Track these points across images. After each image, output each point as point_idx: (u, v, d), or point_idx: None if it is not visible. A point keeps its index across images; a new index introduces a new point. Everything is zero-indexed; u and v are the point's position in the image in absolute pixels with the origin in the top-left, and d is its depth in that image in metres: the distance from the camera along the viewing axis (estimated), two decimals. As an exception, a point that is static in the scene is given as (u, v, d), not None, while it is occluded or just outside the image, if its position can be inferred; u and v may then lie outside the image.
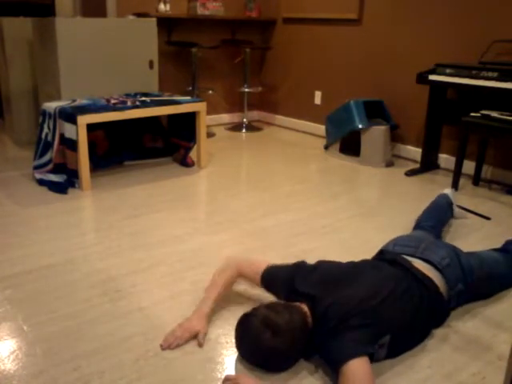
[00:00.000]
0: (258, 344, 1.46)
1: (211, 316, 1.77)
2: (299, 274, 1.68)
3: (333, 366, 1.45)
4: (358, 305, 1.52)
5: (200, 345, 1.64)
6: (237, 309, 1.85)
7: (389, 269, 1.72)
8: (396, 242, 1.99)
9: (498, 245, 2.25)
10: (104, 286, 2.00)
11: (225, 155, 4.03)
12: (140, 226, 2.60)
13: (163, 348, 1.62)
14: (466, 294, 1.86)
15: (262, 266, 1.77)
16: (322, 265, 1.75)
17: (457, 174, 3.11)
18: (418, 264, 1.80)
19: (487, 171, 3.53)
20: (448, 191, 2.73)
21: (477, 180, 3.42)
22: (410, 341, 1.64)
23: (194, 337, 1.67)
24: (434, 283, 1.72)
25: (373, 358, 1.47)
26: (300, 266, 1.73)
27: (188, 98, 3.61)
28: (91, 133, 3.51)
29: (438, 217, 2.42)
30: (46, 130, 3.19)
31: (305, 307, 1.56)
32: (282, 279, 1.70)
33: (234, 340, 1.58)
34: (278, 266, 1.77)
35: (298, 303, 1.58)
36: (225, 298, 1.88)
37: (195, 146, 3.63)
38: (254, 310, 1.53)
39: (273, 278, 1.74)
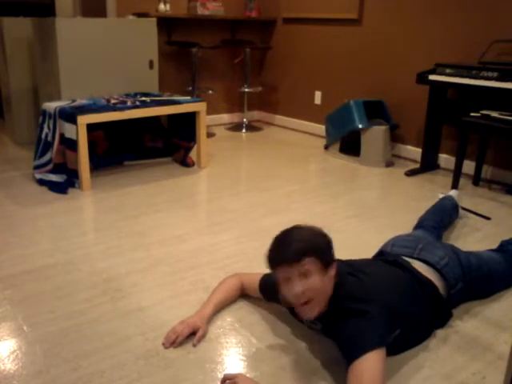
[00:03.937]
0: (287, 234, 1.51)
1: (212, 318, 1.78)
2: None
3: (349, 352, 1.40)
4: (380, 290, 1.53)
5: (194, 344, 1.64)
6: (236, 309, 1.85)
7: (391, 268, 1.73)
8: (394, 242, 1.99)
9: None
10: (104, 285, 2.00)
11: (225, 155, 4.03)
12: (140, 226, 2.60)
13: (165, 346, 1.62)
14: (465, 291, 1.86)
15: (260, 276, 1.84)
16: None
17: (457, 173, 3.11)
18: (417, 265, 1.79)
19: (487, 171, 3.53)
20: (453, 193, 2.73)
21: (477, 180, 3.42)
22: (415, 338, 1.65)
23: (194, 333, 1.67)
24: (433, 284, 1.72)
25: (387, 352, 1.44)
26: None
27: (188, 98, 3.61)
28: (91, 133, 3.51)
29: (440, 217, 2.41)
30: (45, 129, 3.19)
31: (334, 269, 1.54)
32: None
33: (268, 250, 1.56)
34: (271, 274, 1.81)
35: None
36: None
37: (195, 146, 3.64)
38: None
39: (267, 282, 1.79)
